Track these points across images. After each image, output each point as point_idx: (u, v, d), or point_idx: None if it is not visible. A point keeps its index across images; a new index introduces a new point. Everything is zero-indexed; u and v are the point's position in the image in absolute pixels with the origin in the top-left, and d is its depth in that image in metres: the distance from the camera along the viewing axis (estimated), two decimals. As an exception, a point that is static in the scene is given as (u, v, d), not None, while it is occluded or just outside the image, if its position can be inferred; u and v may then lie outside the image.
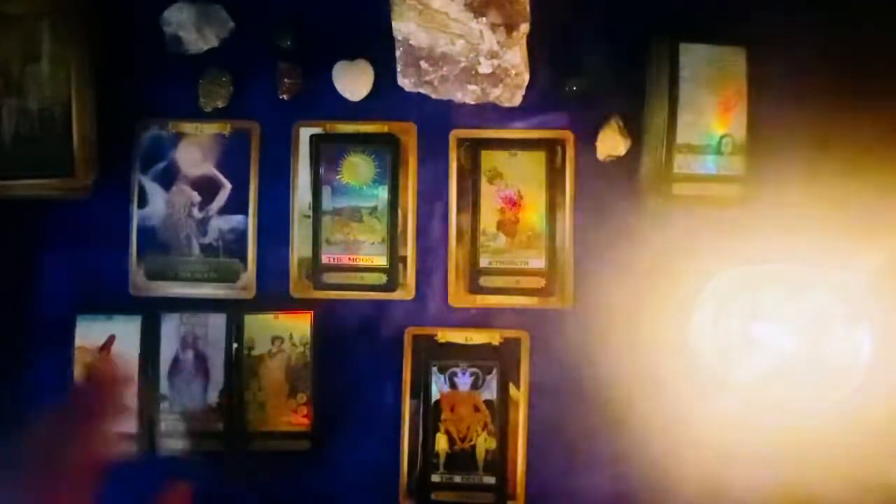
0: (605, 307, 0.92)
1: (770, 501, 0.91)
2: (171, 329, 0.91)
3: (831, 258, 0.85)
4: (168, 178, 0.94)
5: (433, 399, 0.91)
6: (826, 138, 0.91)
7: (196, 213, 0.94)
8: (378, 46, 0.91)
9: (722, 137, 0.88)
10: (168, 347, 0.91)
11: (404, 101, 0.93)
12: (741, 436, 0.90)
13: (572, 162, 0.93)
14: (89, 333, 0.91)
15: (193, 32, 0.93)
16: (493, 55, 0.86)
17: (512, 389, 0.91)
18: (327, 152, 0.93)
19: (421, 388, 0.91)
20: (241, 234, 0.94)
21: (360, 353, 0.93)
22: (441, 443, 0.90)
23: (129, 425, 0.90)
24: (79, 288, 0.94)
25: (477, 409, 0.91)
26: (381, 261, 0.92)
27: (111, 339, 0.91)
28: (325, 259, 0.92)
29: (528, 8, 0.84)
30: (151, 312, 0.92)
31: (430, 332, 0.92)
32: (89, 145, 0.90)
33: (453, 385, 0.91)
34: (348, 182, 0.93)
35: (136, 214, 0.94)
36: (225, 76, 0.94)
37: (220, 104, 0.94)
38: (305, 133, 0.94)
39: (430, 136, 0.94)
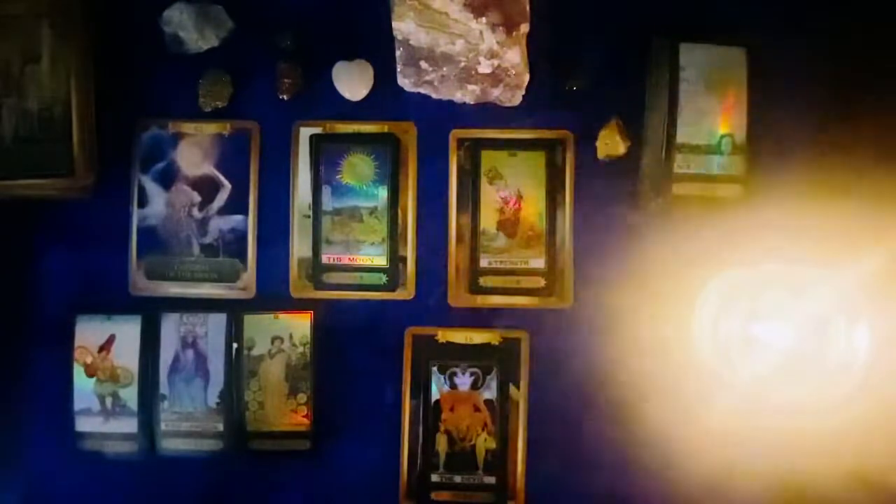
0: (605, 307, 0.92)
1: (771, 499, 0.91)
2: (171, 329, 0.91)
3: (831, 258, 0.85)
4: (168, 178, 0.94)
5: (433, 399, 0.91)
6: (826, 138, 0.91)
7: (196, 213, 0.94)
8: (378, 46, 0.91)
9: (722, 137, 0.88)
10: (168, 347, 0.91)
11: (404, 101, 0.93)
12: (741, 435, 0.90)
13: (572, 162, 0.93)
14: (89, 333, 0.91)
15: (193, 32, 0.93)
16: (493, 55, 0.86)
17: (512, 389, 0.91)
18: (327, 152, 0.93)
19: (421, 388, 0.91)
20: (241, 234, 0.94)
21: (360, 353, 0.93)
22: (441, 443, 0.90)
23: (130, 425, 0.90)
24: (79, 288, 0.94)
25: (477, 409, 0.91)
26: (381, 261, 0.92)
27: (111, 338, 0.91)
28: (325, 259, 0.92)
29: (528, 8, 0.84)
30: (151, 312, 0.92)
31: (430, 332, 0.92)
32: (89, 145, 0.90)
33: (453, 385, 0.91)
34: (348, 182, 0.92)
35: (136, 214, 0.94)
36: (225, 76, 0.94)
37: (220, 104, 0.94)
38: (305, 133, 0.94)
39: (430, 136, 0.94)
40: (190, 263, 0.94)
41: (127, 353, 0.90)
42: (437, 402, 0.91)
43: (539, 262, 0.92)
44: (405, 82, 0.91)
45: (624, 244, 0.93)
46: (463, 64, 0.87)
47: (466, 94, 0.91)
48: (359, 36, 0.94)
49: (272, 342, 0.91)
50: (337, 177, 0.92)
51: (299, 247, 0.93)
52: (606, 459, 0.92)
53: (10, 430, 0.93)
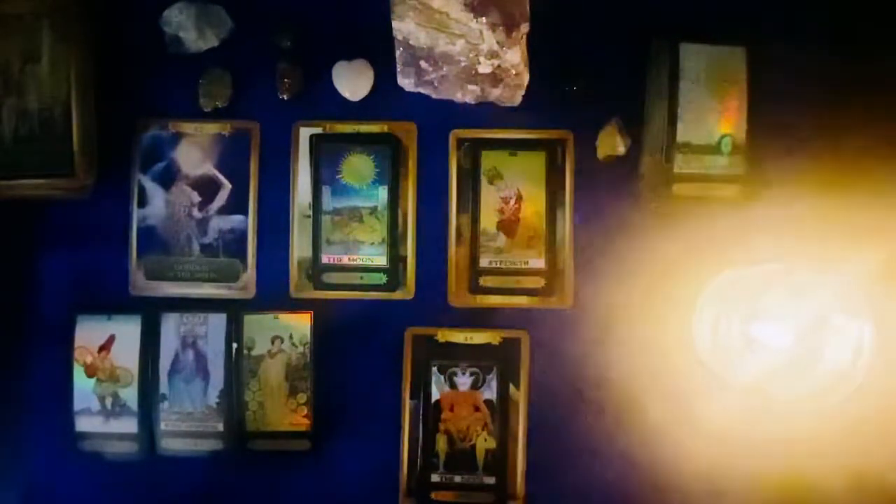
0: (605, 307, 0.92)
1: (770, 499, 0.91)
2: (171, 329, 0.91)
3: (831, 258, 0.85)
4: (168, 178, 0.94)
5: (433, 399, 0.91)
6: (826, 138, 0.91)
7: (196, 213, 0.94)
8: (378, 46, 0.91)
9: (722, 137, 0.88)
10: (168, 347, 0.91)
11: (404, 101, 0.93)
12: (741, 435, 0.90)
13: (572, 162, 0.93)
14: (89, 333, 0.91)
15: (193, 32, 0.93)
16: (493, 55, 0.86)
17: (512, 389, 0.91)
18: (327, 152, 0.93)
19: (421, 388, 0.91)
20: (241, 234, 0.94)
21: (360, 353, 0.93)
22: (441, 443, 0.90)
23: (130, 425, 0.90)
24: (79, 288, 0.94)
25: (477, 409, 0.91)
26: (381, 261, 0.92)
27: (111, 338, 0.91)
28: (325, 259, 0.92)
29: (528, 8, 0.84)
30: (151, 312, 0.92)
31: (430, 332, 0.92)
32: (89, 145, 0.90)
33: (453, 385, 0.91)
34: (348, 182, 0.93)
35: (136, 214, 0.94)
36: (225, 76, 0.94)
37: (220, 104, 0.94)
38: (305, 133, 0.94)
39: (430, 136, 0.94)
40: (190, 263, 0.94)
41: (127, 353, 0.90)
42: (437, 402, 0.91)
43: (539, 262, 0.92)
44: (405, 82, 0.91)
45: (624, 244, 0.93)
46: (463, 64, 0.87)
47: (466, 94, 0.91)
48: (359, 36, 0.94)
49: (272, 342, 0.91)
50: (337, 177, 0.92)
51: (299, 247, 0.93)
52: (606, 459, 0.92)
53: (10, 430, 0.93)
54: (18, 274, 0.94)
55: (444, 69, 0.88)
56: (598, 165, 0.93)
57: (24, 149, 0.87)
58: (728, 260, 0.89)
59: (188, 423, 0.90)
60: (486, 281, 0.92)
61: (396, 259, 0.92)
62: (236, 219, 0.94)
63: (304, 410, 0.90)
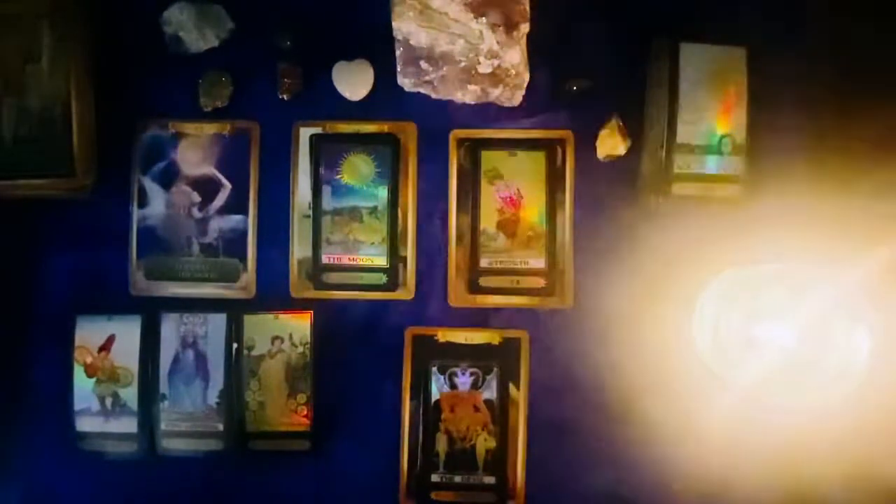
0: (605, 307, 0.92)
1: (771, 500, 0.90)
2: (171, 329, 0.91)
3: (831, 258, 0.85)
4: (168, 178, 0.94)
5: (433, 399, 0.91)
6: (825, 139, 0.91)
7: (196, 213, 0.94)
8: (378, 46, 0.91)
9: (722, 137, 0.88)
10: (168, 347, 0.91)
11: (404, 101, 0.93)
12: (742, 435, 0.90)
13: (572, 162, 0.93)
14: (89, 333, 0.91)
15: (193, 32, 0.93)
16: (493, 55, 0.86)
17: (512, 389, 0.91)
18: (327, 152, 0.93)
19: (421, 388, 0.91)
20: (241, 234, 0.94)
21: (360, 353, 0.93)
22: (441, 443, 0.90)
23: (130, 425, 0.90)
24: (79, 288, 0.94)
25: (477, 409, 0.91)
26: (381, 261, 0.92)
27: (111, 338, 0.91)
28: (325, 259, 0.92)
29: (528, 8, 0.84)
30: (151, 312, 0.92)
31: (430, 332, 0.92)
32: (89, 145, 0.90)
33: (453, 385, 0.91)
34: (348, 182, 0.93)
35: (136, 214, 0.94)
36: (225, 76, 0.94)
37: (220, 104, 0.94)
38: (305, 133, 0.94)
39: (430, 136, 0.94)
40: (190, 263, 0.94)
41: (127, 353, 0.90)
42: (437, 402, 0.91)
43: (539, 262, 0.92)
44: (405, 82, 0.91)
45: (624, 244, 0.93)
46: (463, 64, 0.87)
47: (466, 94, 0.91)
48: (359, 36, 0.94)
49: (272, 342, 0.91)
50: (337, 177, 0.92)
51: (299, 247, 0.93)
52: (606, 459, 0.92)
53: (10, 430, 0.93)
54: (18, 274, 0.94)
55: (444, 69, 0.88)
56: (598, 165, 0.93)
57: (24, 149, 0.87)
58: (728, 260, 0.89)
59: (188, 423, 0.90)
60: (486, 281, 0.92)
61: (396, 259, 0.92)
62: (236, 219, 0.94)
63: (304, 410, 0.90)
